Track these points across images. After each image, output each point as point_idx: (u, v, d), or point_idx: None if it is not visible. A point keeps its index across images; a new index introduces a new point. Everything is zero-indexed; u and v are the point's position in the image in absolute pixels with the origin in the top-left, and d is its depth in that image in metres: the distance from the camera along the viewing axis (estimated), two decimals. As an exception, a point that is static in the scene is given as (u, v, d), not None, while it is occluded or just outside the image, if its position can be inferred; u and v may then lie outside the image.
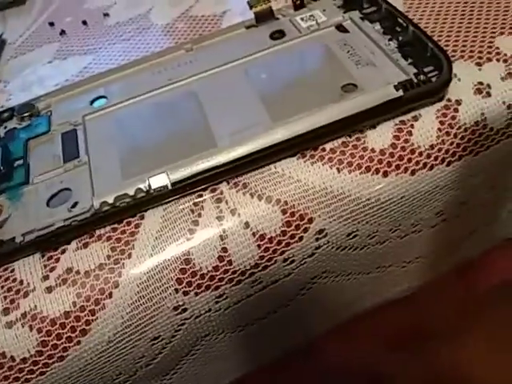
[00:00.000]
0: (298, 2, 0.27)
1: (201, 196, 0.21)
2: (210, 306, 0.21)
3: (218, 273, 0.20)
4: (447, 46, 0.24)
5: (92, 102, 0.26)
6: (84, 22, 0.33)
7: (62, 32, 0.33)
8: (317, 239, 0.21)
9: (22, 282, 0.20)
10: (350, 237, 0.22)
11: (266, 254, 0.20)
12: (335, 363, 0.39)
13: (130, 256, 0.20)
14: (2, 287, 0.20)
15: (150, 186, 0.20)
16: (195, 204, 0.21)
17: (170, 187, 0.20)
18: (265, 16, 0.27)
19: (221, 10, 0.31)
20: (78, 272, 0.20)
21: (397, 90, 0.21)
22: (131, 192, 0.20)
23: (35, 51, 0.33)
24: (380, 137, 0.22)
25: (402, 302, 0.29)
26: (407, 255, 0.25)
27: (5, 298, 0.20)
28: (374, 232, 0.23)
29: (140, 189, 0.20)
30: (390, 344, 0.40)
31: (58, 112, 0.26)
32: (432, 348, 0.41)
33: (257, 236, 0.20)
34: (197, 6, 0.32)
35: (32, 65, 0.31)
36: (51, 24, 0.34)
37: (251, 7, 0.27)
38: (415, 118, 0.22)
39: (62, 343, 0.19)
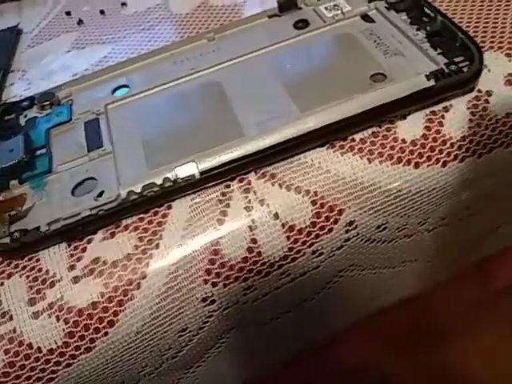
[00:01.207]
0: (322, -9, 0.27)
1: (228, 186, 0.21)
2: (238, 298, 0.20)
3: (246, 264, 0.20)
4: (476, 36, 0.24)
5: (114, 91, 0.25)
6: (101, 12, 0.33)
7: (80, 21, 0.33)
8: (346, 231, 0.21)
9: (47, 272, 0.20)
10: (380, 229, 0.22)
11: (295, 246, 0.20)
12: (341, 361, 0.39)
13: (157, 246, 0.19)
14: (28, 277, 0.20)
15: (177, 175, 0.20)
16: (223, 194, 0.20)
17: (198, 176, 0.20)
18: (288, 5, 0.27)
19: (241, 0, 0.30)
20: (105, 262, 0.19)
21: (428, 80, 0.21)
22: (159, 181, 0.20)
23: (53, 40, 0.32)
24: (411, 127, 0.21)
25: (413, 299, 0.29)
26: (433, 250, 0.25)
27: (30, 287, 0.19)
28: (404, 225, 0.22)
29: (167, 178, 0.20)
30: (396, 343, 0.40)
31: (80, 101, 0.25)
32: (441, 346, 0.41)
33: (286, 227, 0.20)
34: (216, -5, 0.32)
35: (50, 54, 0.31)
36: (68, 13, 0.34)
37: (274, -4, 0.27)
38: (446, 109, 0.22)
39: (90, 334, 0.19)
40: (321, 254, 0.21)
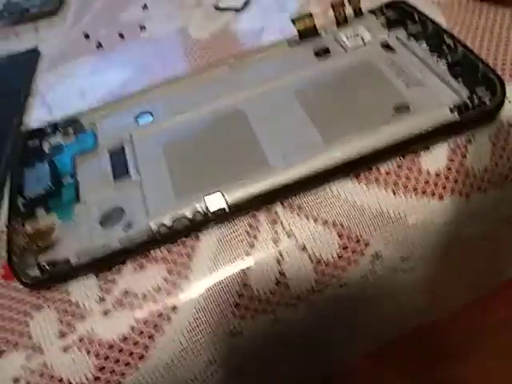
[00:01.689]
0: (342, 18, 0.27)
1: (255, 217, 0.21)
2: (266, 330, 0.21)
3: (274, 297, 0.20)
4: (495, 65, 0.24)
5: (137, 118, 0.26)
6: (121, 35, 0.33)
7: (99, 45, 0.33)
8: (371, 262, 0.21)
9: (77, 304, 0.20)
10: (403, 260, 0.22)
11: (322, 279, 0.20)
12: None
13: (187, 279, 0.20)
14: (57, 309, 0.20)
15: (207, 207, 0.20)
16: (250, 225, 0.21)
17: (226, 209, 0.20)
18: (308, 33, 0.27)
19: (259, 26, 0.31)
20: (135, 295, 0.20)
21: (452, 113, 0.21)
22: (188, 213, 0.20)
23: (72, 63, 0.32)
24: (435, 159, 0.21)
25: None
26: (455, 276, 0.25)
27: (60, 321, 0.20)
28: (425, 254, 0.22)
29: (197, 211, 0.20)
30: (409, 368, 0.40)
31: (104, 128, 0.26)
32: (444, 366, 0.41)
33: (313, 260, 0.20)
34: (234, 21, 0.32)
35: (70, 77, 0.31)
36: (86, 36, 0.34)
37: (294, 23, 0.27)
38: (469, 141, 0.22)
39: (120, 368, 0.19)
40: (346, 285, 0.21)
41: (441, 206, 0.21)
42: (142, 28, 0.33)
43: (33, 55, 0.34)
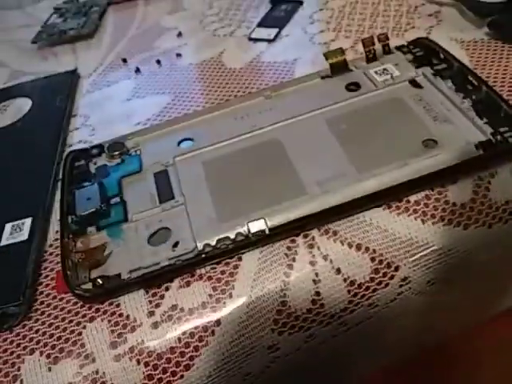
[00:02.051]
0: (371, 55, 0.29)
1: (294, 241, 0.22)
2: (300, 346, 0.22)
3: (310, 315, 0.22)
4: (516, 104, 0.26)
5: (180, 144, 0.27)
6: (158, 62, 0.35)
7: (137, 70, 0.35)
8: (400, 286, 0.22)
9: (128, 317, 0.21)
10: (429, 284, 0.23)
11: (354, 299, 0.22)
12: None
13: (230, 296, 0.21)
14: (109, 321, 0.21)
15: (249, 230, 0.22)
16: (289, 248, 0.22)
17: (267, 232, 0.22)
18: (339, 67, 0.29)
19: (292, 58, 0.33)
20: (182, 309, 0.21)
21: (477, 150, 0.23)
22: (232, 235, 0.22)
23: (112, 87, 0.34)
24: (460, 191, 0.23)
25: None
26: (473, 298, 0.27)
27: (112, 331, 0.21)
28: (451, 280, 0.24)
29: (240, 233, 0.22)
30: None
31: (148, 151, 0.27)
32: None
33: (347, 281, 0.22)
34: (266, 52, 0.34)
35: (111, 100, 0.33)
36: (124, 60, 0.36)
37: (327, 58, 0.29)
38: (492, 175, 0.23)
39: (167, 377, 0.20)
40: (376, 306, 0.23)
41: (465, 235, 0.23)
42: (179, 55, 0.35)
43: (73, 76, 0.36)
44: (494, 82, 0.28)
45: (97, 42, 0.40)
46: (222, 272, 0.22)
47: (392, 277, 0.22)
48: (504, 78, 0.28)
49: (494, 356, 0.40)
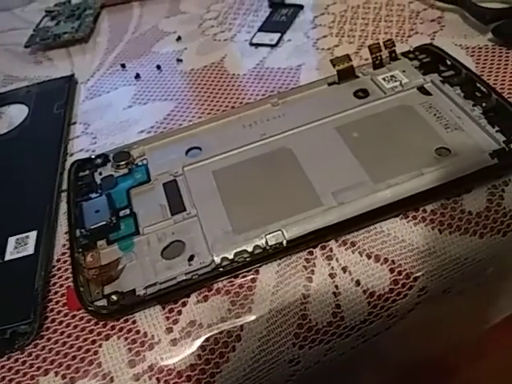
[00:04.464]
0: (378, 61, 0.29)
1: (312, 253, 0.22)
2: (320, 358, 0.22)
3: (331, 328, 0.21)
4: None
5: (187, 153, 0.27)
6: (158, 67, 0.34)
7: (137, 76, 0.34)
8: (418, 296, 0.22)
9: (145, 334, 0.21)
10: (445, 292, 0.23)
11: (374, 311, 0.22)
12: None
13: (250, 310, 0.21)
14: (126, 339, 0.21)
15: (267, 242, 0.22)
16: (307, 260, 0.22)
17: (285, 244, 0.22)
18: (346, 74, 0.29)
19: (296, 64, 0.32)
20: (200, 325, 0.21)
21: (492, 158, 0.23)
22: (249, 248, 0.22)
23: (111, 93, 0.33)
24: (475, 200, 0.23)
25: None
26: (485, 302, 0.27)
27: (129, 349, 0.20)
28: (464, 287, 0.24)
29: (258, 245, 0.22)
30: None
31: (155, 161, 0.27)
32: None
33: (367, 293, 0.22)
34: (269, 57, 0.33)
35: (111, 107, 0.32)
36: (123, 66, 0.35)
37: (334, 65, 0.29)
38: (505, 183, 0.24)
39: (188, 395, 0.20)
40: (394, 316, 0.22)
41: (481, 243, 0.23)
42: (179, 61, 0.35)
43: (70, 82, 0.35)
44: (502, 88, 0.28)
45: (92, 46, 0.39)
46: (240, 286, 0.22)
47: (411, 287, 0.22)
48: (511, 84, 0.28)
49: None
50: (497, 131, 0.24)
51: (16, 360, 0.21)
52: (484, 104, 0.26)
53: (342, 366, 0.24)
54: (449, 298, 0.24)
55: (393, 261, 0.22)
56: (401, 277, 0.22)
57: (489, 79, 0.28)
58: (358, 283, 0.22)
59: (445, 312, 0.26)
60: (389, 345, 0.25)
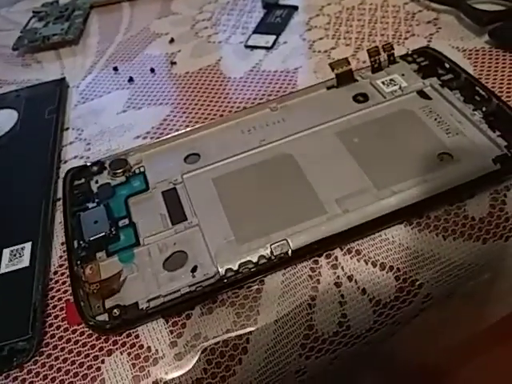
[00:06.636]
0: (377, 65, 0.29)
1: (317, 262, 0.22)
2: (325, 367, 0.22)
3: (337, 337, 0.21)
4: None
5: (186, 160, 0.26)
6: (152, 70, 0.34)
7: (130, 79, 0.33)
8: (423, 302, 0.22)
9: (149, 349, 0.20)
10: (448, 297, 0.23)
11: (379, 319, 0.22)
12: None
13: (255, 322, 0.21)
14: (129, 354, 0.20)
15: (272, 252, 0.21)
16: (312, 269, 0.22)
17: (290, 254, 0.21)
18: (345, 78, 0.29)
19: (293, 66, 0.32)
20: (205, 338, 0.20)
21: (495, 164, 0.23)
22: (254, 259, 0.21)
23: (104, 97, 0.33)
24: (478, 205, 0.23)
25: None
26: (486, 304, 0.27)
27: (133, 365, 0.20)
28: (467, 291, 0.24)
29: (262, 255, 0.21)
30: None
31: (153, 169, 0.26)
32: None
33: (373, 302, 0.21)
34: (265, 60, 0.33)
35: (105, 112, 0.31)
36: (115, 69, 0.35)
37: (333, 69, 0.28)
38: (507, 188, 0.24)
39: (195, 410, 0.20)
40: (399, 323, 0.22)
41: (484, 249, 0.23)
42: (173, 63, 0.34)
43: (61, 86, 0.34)
44: (500, 91, 0.28)
45: (83, 49, 0.38)
46: (245, 297, 0.21)
47: (416, 294, 0.22)
48: (509, 87, 0.28)
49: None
50: (498, 136, 0.24)
51: (15, 378, 0.20)
52: (484, 108, 0.26)
53: (345, 369, 0.24)
54: (450, 301, 0.24)
55: (398, 268, 0.22)
56: (406, 284, 0.22)
57: (487, 82, 0.28)
58: (364, 292, 0.21)
59: (445, 315, 0.26)
60: (390, 348, 0.25)
